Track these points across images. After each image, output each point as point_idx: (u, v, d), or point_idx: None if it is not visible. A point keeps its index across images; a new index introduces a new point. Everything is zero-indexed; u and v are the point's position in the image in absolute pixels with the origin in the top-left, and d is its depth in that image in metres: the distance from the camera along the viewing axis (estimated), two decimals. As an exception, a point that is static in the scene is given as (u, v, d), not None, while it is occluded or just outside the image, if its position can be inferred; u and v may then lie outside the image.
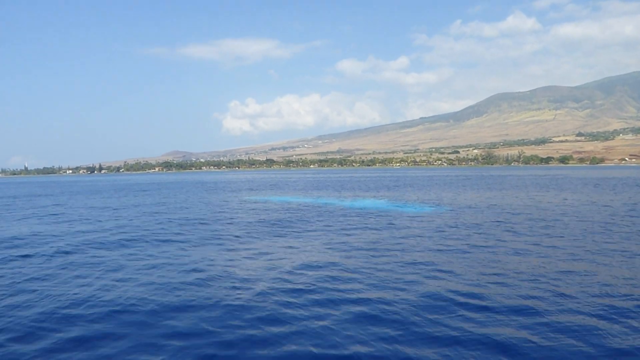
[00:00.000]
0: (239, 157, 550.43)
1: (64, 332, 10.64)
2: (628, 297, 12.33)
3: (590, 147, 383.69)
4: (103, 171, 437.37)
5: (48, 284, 14.80)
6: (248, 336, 10.19)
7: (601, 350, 9.17)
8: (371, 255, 18.41)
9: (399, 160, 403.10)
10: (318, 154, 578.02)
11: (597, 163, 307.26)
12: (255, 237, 23.87)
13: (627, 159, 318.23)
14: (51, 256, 19.63)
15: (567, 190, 58.17)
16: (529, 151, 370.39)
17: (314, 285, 14.10)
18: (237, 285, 14.32)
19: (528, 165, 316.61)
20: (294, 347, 9.57)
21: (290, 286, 14.03)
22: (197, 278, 15.25)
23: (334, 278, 14.91)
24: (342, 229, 25.97)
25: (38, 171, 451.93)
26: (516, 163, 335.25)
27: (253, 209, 39.72)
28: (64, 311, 12.03)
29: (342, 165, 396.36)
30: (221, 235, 24.92)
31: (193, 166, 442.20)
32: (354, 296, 12.86)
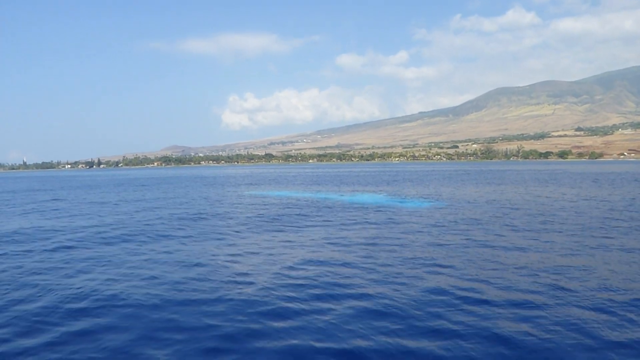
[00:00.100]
0: (237, 152, 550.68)
1: (66, 325, 10.69)
2: (626, 291, 12.41)
3: (589, 142, 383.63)
4: (102, 166, 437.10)
5: (49, 278, 14.84)
6: (249, 330, 10.26)
7: (600, 343, 9.25)
8: (371, 250, 18.47)
9: (398, 155, 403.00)
10: (317, 148, 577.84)
11: (596, 158, 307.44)
12: (256, 232, 23.92)
13: (625, 153, 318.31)
14: (52, 251, 19.69)
15: (566, 185, 58.25)
16: (528, 146, 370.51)
17: (314, 279, 14.16)
18: (237, 279, 14.38)
19: (527, 160, 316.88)
20: (294, 341, 9.64)
21: (290, 281, 14.10)
22: (197, 272, 15.32)
23: (334, 273, 14.97)
24: (341, 224, 26.03)
25: (37, 166, 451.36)
26: (515, 158, 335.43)
27: (253, 204, 39.76)
28: (66, 305, 12.08)
29: (341, 160, 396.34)
30: (221, 230, 24.97)
31: (192, 161, 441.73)
32: (354, 291, 12.92)
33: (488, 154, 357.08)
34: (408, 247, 18.82)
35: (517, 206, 33.58)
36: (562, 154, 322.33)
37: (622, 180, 64.74)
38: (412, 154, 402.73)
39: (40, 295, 13.00)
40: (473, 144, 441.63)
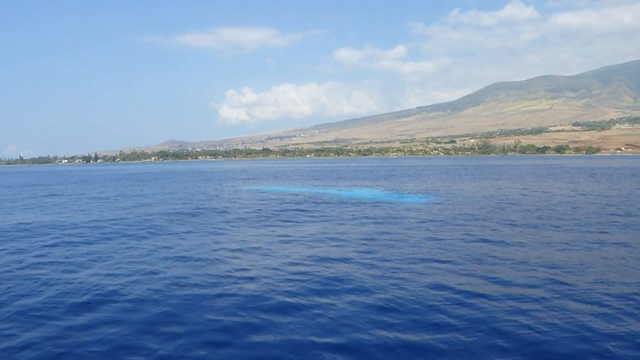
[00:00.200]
0: (235, 147, 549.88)
1: (66, 320, 10.74)
2: (622, 285, 12.50)
3: (586, 136, 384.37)
4: (99, 161, 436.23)
5: (48, 273, 14.88)
6: (249, 324, 10.32)
7: (596, 336, 9.33)
8: (369, 245, 18.54)
9: (395, 149, 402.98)
10: (315, 143, 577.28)
11: (593, 153, 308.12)
12: (254, 227, 23.97)
13: (623, 148, 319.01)
14: (51, 246, 19.73)
15: (563, 180, 58.39)
16: (525, 141, 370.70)
17: (313, 275, 14.23)
18: (236, 274, 14.44)
19: (524, 154, 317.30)
20: (294, 336, 9.70)
21: (289, 276, 14.17)
22: (196, 267, 15.39)
23: (332, 268, 15.04)
24: (339, 219, 26.07)
25: (33, 160, 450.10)
26: (512, 152, 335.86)
27: (250, 199, 39.79)
28: (66, 299, 12.15)
29: (338, 155, 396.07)
30: (220, 225, 25.02)
31: (189, 156, 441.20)
32: (352, 285, 12.99)
33: (485, 148, 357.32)
34: (406, 242, 18.88)
35: (515, 201, 33.68)
36: (560, 149, 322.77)
37: (619, 175, 64.94)
38: (409, 148, 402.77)
39: (40, 290, 13.04)
40: (471, 138, 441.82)
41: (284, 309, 11.21)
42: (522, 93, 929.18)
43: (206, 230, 23.10)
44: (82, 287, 13.23)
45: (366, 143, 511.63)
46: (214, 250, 18.18)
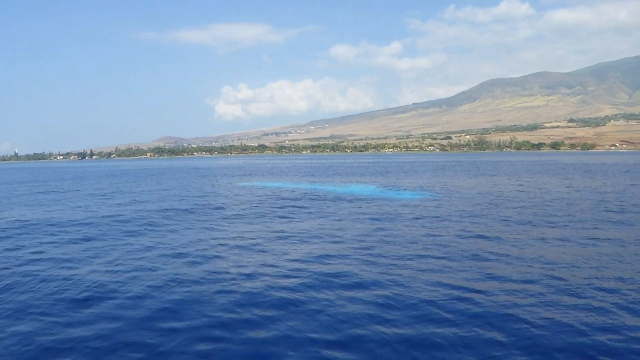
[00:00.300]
0: (231, 143, 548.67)
1: (64, 315, 10.76)
2: (616, 280, 12.60)
3: (581, 133, 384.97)
4: (94, 157, 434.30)
5: (42, 269, 14.87)
6: (246, 319, 10.37)
7: (591, 328, 9.42)
8: (365, 241, 18.61)
9: (391, 145, 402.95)
10: (310, 139, 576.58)
11: (588, 149, 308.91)
12: (250, 224, 24.00)
13: (617, 144, 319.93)
14: (48, 243, 19.69)
15: (558, 176, 58.61)
16: (521, 137, 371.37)
17: (309, 271, 14.31)
18: (233, 270, 14.49)
19: (520, 150, 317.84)
20: (290, 331, 9.74)
21: (285, 272, 14.25)
22: (193, 263, 15.44)
23: (329, 264, 15.12)
24: (335, 215, 26.14)
25: (28, 157, 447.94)
26: (508, 149, 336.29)
27: (247, 195, 39.79)
28: (64, 295, 12.16)
29: (334, 151, 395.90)
30: (216, 221, 25.06)
31: (185, 152, 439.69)
32: (349, 281, 13.06)
33: (481, 145, 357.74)
34: (402, 238, 18.95)
35: (510, 197, 33.80)
36: (555, 145, 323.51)
37: (613, 172, 65.24)
38: (405, 145, 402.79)
39: (37, 286, 13.05)
40: (466, 135, 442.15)
41: (281, 305, 11.26)
42: (518, 89, 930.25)
43: (202, 227, 23.11)
44: (80, 283, 13.24)
45: (362, 139, 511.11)
46: (210, 246, 18.19)
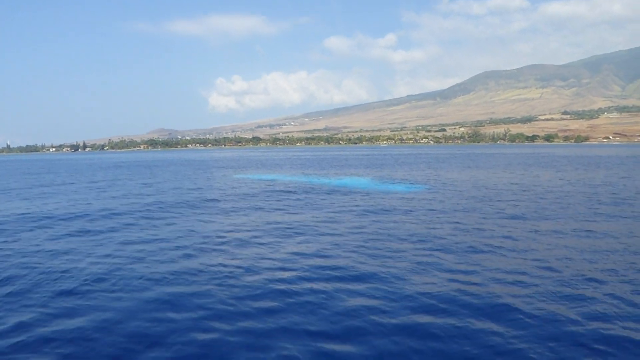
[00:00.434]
0: (225, 135, 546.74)
1: (59, 306, 10.75)
2: (609, 269, 12.73)
3: (575, 125, 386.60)
4: (87, 149, 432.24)
5: (37, 261, 14.83)
6: (243, 312, 10.39)
7: (584, 317, 9.51)
8: (359, 234, 18.68)
9: (385, 138, 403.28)
10: (305, 131, 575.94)
11: (582, 141, 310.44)
12: (245, 216, 24.02)
13: (611, 137, 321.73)
14: (49, 236, 19.61)
15: (552, 168, 58.90)
16: (515, 129, 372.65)
17: (303, 262, 14.35)
18: (227, 263, 14.51)
19: (514, 143, 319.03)
20: (286, 324, 9.77)
21: (280, 264, 14.29)
22: (190, 257, 15.43)
23: (322, 256, 15.15)
24: (330, 208, 26.18)
25: (21, 149, 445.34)
26: (502, 141, 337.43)
27: (241, 188, 39.76)
28: (60, 287, 12.12)
29: (329, 143, 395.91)
30: (210, 214, 25.05)
31: (179, 144, 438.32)
32: (343, 273, 13.09)
33: (475, 137, 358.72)
34: (397, 230, 19.02)
35: (505, 189, 33.95)
36: (549, 138, 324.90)
37: (606, 164, 65.63)
38: (400, 137, 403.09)
39: (35, 278, 12.99)
40: (460, 127, 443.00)
41: (277, 296, 11.27)
42: (512, 82, 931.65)
43: (198, 219, 23.09)
44: (75, 275, 13.20)
45: (357, 131, 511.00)
46: (206, 239, 18.18)
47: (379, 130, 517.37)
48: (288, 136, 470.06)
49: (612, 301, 10.54)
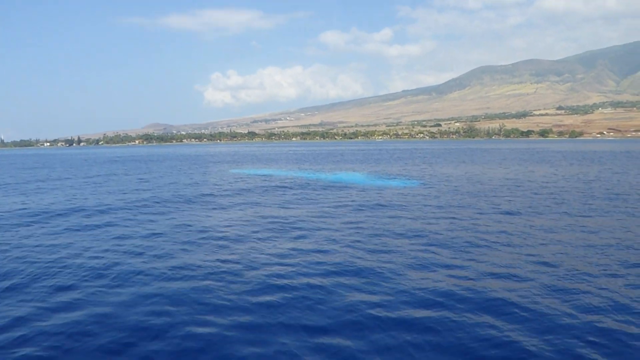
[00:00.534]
0: (220, 130, 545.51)
1: (55, 299, 10.78)
2: (602, 265, 12.86)
3: (570, 120, 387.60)
4: (82, 144, 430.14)
5: (32, 255, 14.82)
6: (240, 306, 10.44)
7: (578, 310, 9.63)
8: (354, 228, 18.77)
9: (381, 133, 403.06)
10: (300, 126, 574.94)
11: (576, 136, 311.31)
12: (241, 210, 24.05)
13: (605, 132, 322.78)
14: (48, 231, 19.59)
15: (547, 163, 59.15)
16: (510, 124, 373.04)
17: (299, 257, 14.44)
18: (223, 257, 14.57)
19: (509, 138, 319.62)
20: (282, 318, 9.84)
21: (276, 259, 14.35)
22: (183, 252, 15.48)
23: (318, 251, 15.22)
24: (326, 203, 26.27)
25: (15, 144, 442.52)
26: (497, 136, 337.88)
27: (237, 183, 39.77)
28: (60, 281, 12.16)
29: (324, 138, 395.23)
30: (206, 209, 25.09)
31: (174, 139, 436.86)
32: (338, 268, 13.17)
33: (470, 132, 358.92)
34: (392, 225, 19.13)
35: (500, 184, 34.11)
36: (543, 133, 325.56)
37: (600, 159, 65.97)
38: (395, 132, 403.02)
39: (31, 272, 13.00)
40: (456, 122, 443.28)
41: (273, 291, 11.33)
42: (507, 77, 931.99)
43: (194, 215, 23.13)
44: (72, 269, 13.23)
45: (352, 126, 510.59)
46: (201, 233, 18.21)
47: (375, 125, 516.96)
48: (283, 131, 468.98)
49: (606, 295, 10.66)
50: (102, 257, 14.66)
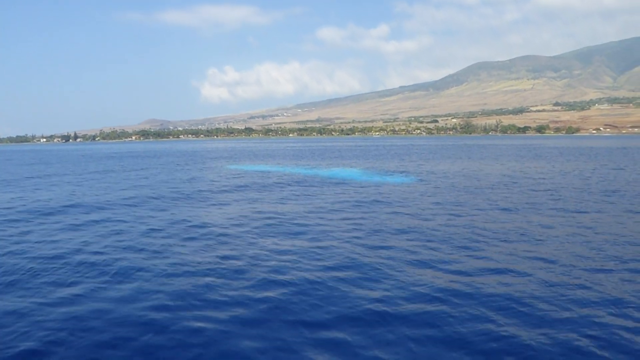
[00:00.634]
0: (217, 126, 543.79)
1: (53, 293, 10.81)
2: (599, 260, 12.95)
3: (566, 116, 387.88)
4: (79, 140, 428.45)
5: (30, 250, 14.83)
6: (237, 300, 10.47)
7: (575, 304, 9.70)
8: (352, 224, 18.82)
9: (378, 129, 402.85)
10: (297, 122, 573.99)
11: (573, 133, 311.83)
12: (239, 207, 24.07)
13: (601, 128, 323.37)
14: (48, 227, 19.59)
15: (544, 159, 59.30)
16: (506, 120, 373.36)
17: (297, 252, 14.47)
18: (221, 252, 14.60)
19: (506, 134, 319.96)
20: (281, 312, 9.89)
21: (273, 255, 14.40)
22: (181, 247, 15.50)
23: (316, 246, 15.26)
24: (323, 199, 26.31)
25: (11, 139, 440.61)
26: (494, 132, 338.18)
27: (234, 179, 39.78)
28: (57, 276, 12.17)
29: (321, 134, 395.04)
30: (204, 205, 25.08)
31: (171, 135, 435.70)
32: (336, 263, 13.22)
33: (467, 128, 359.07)
34: (389, 221, 19.19)
35: (497, 180, 34.20)
36: (540, 129, 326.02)
37: (596, 155, 66.15)
38: (392, 128, 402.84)
39: (29, 267, 13.01)
40: (453, 118, 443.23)
41: (271, 286, 11.38)
42: (504, 73, 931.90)
43: (191, 211, 23.15)
44: (70, 265, 13.25)
45: (349, 122, 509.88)
46: (199, 229, 18.24)
47: (372, 121, 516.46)
48: (281, 127, 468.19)
49: (602, 290, 10.74)
50: (101, 252, 14.67)
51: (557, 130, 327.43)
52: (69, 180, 41.46)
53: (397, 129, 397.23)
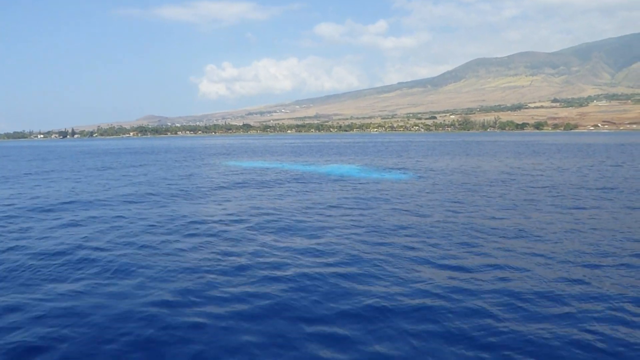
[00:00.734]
0: (215, 122, 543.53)
1: (52, 288, 10.82)
2: (597, 256, 13.00)
3: (564, 113, 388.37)
4: (76, 136, 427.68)
5: (28, 246, 14.84)
6: (234, 297, 10.50)
7: (573, 299, 9.75)
8: (351, 220, 18.84)
9: (376, 125, 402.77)
10: (295, 119, 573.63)
11: (571, 129, 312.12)
12: (237, 204, 24.07)
13: (599, 125, 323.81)
14: (49, 225, 19.59)
15: (542, 156, 59.38)
16: (505, 117, 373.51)
17: (295, 248, 14.49)
18: (219, 248, 14.61)
19: (504, 130, 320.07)
20: (281, 308, 9.92)
21: (274, 252, 14.40)
22: (180, 243, 15.49)
23: (313, 242, 15.29)
24: (321, 196, 26.33)
25: (8, 135, 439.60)
26: (492, 129, 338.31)
27: (233, 175, 39.76)
28: (56, 272, 12.18)
29: (319, 131, 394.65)
30: (202, 201, 25.08)
31: (169, 131, 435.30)
32: (334, 259, 13.24)
33: (465, 125, 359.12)
34: (387, 217, 19.22)
35: (494, 177, 34.27)
36: (538, 125, 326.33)
37: (594, 152, 66.27)
38: (390, 124, 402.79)
39: (28, 263, 13.01)
40: (451, 114, 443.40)
41: (269, 282, 11.40)
42: (502, 69, 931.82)
43: (189, 207, 23.15)
44: (68, 262, 13.26)
45: (347, 119, 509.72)
46: (197, 225, 18.22)
47: (370, 117, 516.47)
48: (279, 123, 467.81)
49: (601, 284, 10.80)
50: (101, 249, 14.68)
51: (555, 126, 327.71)
52: (68, 176, 41.45)
53: (395, 125, 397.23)
